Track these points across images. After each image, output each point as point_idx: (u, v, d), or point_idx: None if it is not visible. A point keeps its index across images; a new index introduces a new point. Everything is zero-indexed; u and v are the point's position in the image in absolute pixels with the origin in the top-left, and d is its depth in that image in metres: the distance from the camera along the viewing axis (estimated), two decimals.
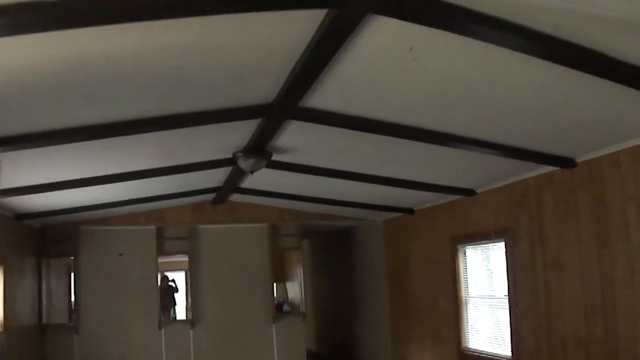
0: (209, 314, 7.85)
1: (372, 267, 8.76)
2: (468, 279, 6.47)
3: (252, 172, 5.07)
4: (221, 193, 7.06)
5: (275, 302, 8.12)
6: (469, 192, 6.15)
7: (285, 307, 8.23)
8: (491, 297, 6.11)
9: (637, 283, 4.20)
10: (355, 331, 9.50)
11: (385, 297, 8.35)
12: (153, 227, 7.65)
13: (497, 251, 6.03)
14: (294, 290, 8.50)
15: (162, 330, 7.61)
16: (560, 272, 4.94)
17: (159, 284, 7.73)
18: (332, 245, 10.52)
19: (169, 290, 8.05)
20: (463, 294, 6.49)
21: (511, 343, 5.59)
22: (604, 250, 4.50)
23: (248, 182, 6.36)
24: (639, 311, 4.18)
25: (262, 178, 5.87)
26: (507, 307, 5.64)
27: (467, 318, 6.47)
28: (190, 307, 7.74)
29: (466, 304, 6.46)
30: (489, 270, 6.18)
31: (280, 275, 8.52)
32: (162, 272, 7.92)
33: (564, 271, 4.91)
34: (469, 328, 6.45)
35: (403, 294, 7.82)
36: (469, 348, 6.40)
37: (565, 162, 4.78)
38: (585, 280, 4.67)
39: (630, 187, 4.28)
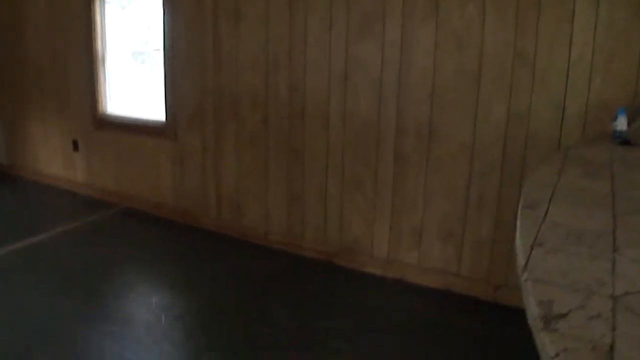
0: None
1: None
2: (108, 33, 5.34)
3: None
4: None
5: None
6: None
7: None
8: (140, 54, 5.15)
9: (331, 39, 3.88)
10: None
11: None
12: None
13: None
14: None
15: None
16: (238, 23, 4.33)
17: None
18: None
19: None
20: (101, 50, 5.36)
21: (165, 106, 4.88)
22: (299, 1, 3.91)
23: None
24: (332, 69, 3.95)
25: None
26: (162, 66, 4.83)
27: (106, 80, 5.48)
28: None
29: (104, 62, 5.40)
30: (137, 21, 5.13)
31: None
32: None
33: (242, 22, 4.32)
34: (109, 91, 5.48)
35: (16, 60, 6.25)
36: (109, 115, 5.48)
37: None
38: (271, 34, 4.11)
39: None
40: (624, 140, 2.59)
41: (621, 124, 2.61)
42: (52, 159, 6.24)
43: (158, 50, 4.96)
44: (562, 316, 0.95)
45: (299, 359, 2.99)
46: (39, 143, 6.36)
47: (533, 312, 0.98)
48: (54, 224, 5.07)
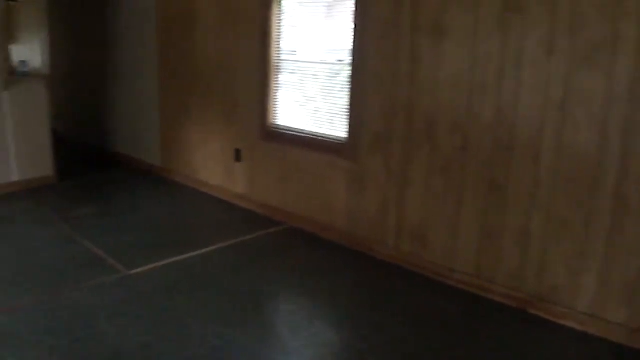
0: None
1: (138, 24, 7.20)
2: (284, 39, 5.50)
3: None
4: None
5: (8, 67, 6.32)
6: None
7: (22, 69, 6.50)
8: (320, 63, 5.24)
9: (550, 64, 3.72)
10: (112, 110, 8.04)
11: (155, 64, 7.00)
12: None
13: (335, 5, 5.06)
14: (27, 53, 6.72)
15: None
16: (440, 38, 4.27)
17: None
18: None
19: None
20: (274, 57, 5.51)
21: (349, 121, 4.93)
22: (514, 16, 3.86)
23: None
24: (548, 98, 3.78)
25: None
26: (347, 77, 4.90)
27: (277, 89, 5.63)
28: None
29: (278, 70, 5.53)
30: (319, 28, 5.24)
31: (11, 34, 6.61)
32: None
33: (444, 37, 4.26)
34: (282, 101, 5.62)
35: (182, 59, 6.56)
36: (279, 126, 5.61)
37: None
38: (477, 52, 4.08)
39: None
40: None
41: None
42: (211, 167, 6.47)
43: (340, 61, 5.04)
44: None
45: None
46: (198, 149, 6.62)
47: None
48: (214, 238, 5.20)
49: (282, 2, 5.41)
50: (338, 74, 5.05)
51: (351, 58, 4.80)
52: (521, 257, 4.03)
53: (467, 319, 3.98)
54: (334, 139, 5.09)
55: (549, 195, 3.85)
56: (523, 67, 3.85)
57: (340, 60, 5.01)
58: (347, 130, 4.94)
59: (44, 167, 6.62)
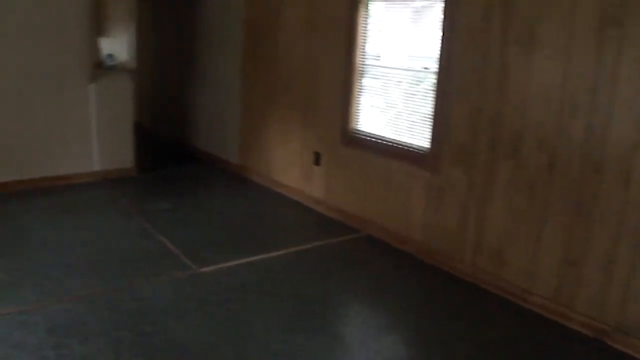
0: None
1: (224, 22, 7.36)
2: (369, 43, 5.49)
3: None
4: None
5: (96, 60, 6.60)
6: None
7: (109, 62, 6.74)
8: (404, 70, 5.20)
9: None
10: (193, 106, 8.27)
11: (239, 62, 7.15)
12: None
13: (423, 11, 5.02)
14: (115, 47, 6.98)
15: None
16: (531, 51, 4.16)
17: None
18: None
19: None
20: (358, 61, 5.51)
21: (432, 131, 4.87)
22: (611, 31, 3.68)
23: None
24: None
25: None
26: (433, 85, 4.83)
27: (361, 93, 5.61)
28: None
29: (362, 75, 5.54)
30: (405, 34, 5.20)
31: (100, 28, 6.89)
32: None
33: (536, 49, 4.14)
34: (363, 106, 5.62)
35: (266, 58, 6.66)
36: (360, 131, 5.60)
37: None
38: (570, 66, 3.93)
39: None
40: None
41: None
42: (289, 169, 6.52)
43: (426, 68, 4.99)
44: None
45: None
46: (277, 149, 6.69)
47: None
48: (288, 241, 5.26)
49: (369, 6, 5.36)
50: (421, 81, 4.99)
51: (437, 66, 4.73)
52: (604, 285, 3.89)
53: (541, 345, 3.86)
54: (415, 148, 5.04)
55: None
56: (618, 84, 3.70)
57: (425, 68, 4.95)
58: (429, 139, 4.88)
59: (124, 158, 6.87)
